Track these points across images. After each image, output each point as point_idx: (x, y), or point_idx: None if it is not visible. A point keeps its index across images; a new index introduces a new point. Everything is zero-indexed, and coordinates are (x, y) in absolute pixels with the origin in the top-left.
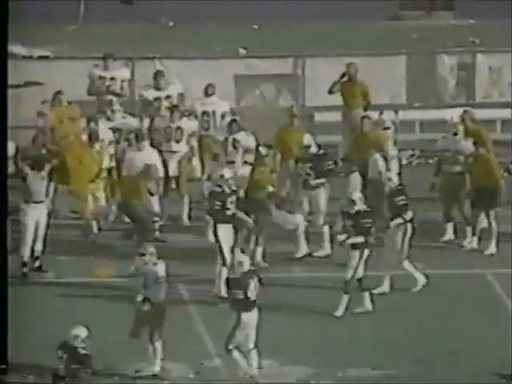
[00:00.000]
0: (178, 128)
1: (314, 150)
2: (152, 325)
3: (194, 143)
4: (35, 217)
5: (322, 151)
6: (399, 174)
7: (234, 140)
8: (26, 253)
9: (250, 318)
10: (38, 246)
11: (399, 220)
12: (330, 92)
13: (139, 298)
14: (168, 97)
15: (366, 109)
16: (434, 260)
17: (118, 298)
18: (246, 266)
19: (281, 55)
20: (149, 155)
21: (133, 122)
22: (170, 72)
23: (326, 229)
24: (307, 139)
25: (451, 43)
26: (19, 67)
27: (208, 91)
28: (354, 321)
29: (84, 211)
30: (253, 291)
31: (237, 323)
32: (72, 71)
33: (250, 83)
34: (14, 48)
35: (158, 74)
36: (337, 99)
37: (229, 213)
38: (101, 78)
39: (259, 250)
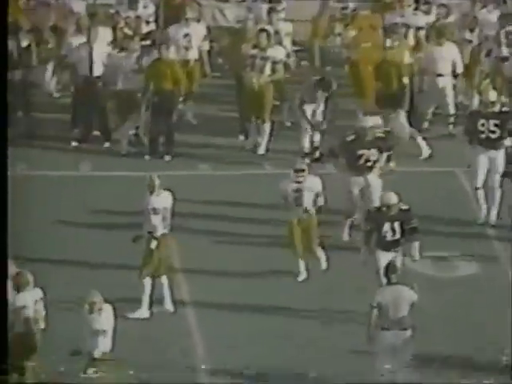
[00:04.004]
0: (474, 18)
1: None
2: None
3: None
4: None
5: (506, 108)
6: None
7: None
8: (305, 144)
9: None
10: (317, 138)
11: None
12: None
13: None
14: None
15: None
16: None
17: None
18: None
19: None
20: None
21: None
22: None
23: (498, 192)
24: (492, 94)
25: None
26: None
27: None
28: None
29: None
30: None
31: None
32: None
33: None
34: None
35: None
36: None
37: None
38: None
39: None
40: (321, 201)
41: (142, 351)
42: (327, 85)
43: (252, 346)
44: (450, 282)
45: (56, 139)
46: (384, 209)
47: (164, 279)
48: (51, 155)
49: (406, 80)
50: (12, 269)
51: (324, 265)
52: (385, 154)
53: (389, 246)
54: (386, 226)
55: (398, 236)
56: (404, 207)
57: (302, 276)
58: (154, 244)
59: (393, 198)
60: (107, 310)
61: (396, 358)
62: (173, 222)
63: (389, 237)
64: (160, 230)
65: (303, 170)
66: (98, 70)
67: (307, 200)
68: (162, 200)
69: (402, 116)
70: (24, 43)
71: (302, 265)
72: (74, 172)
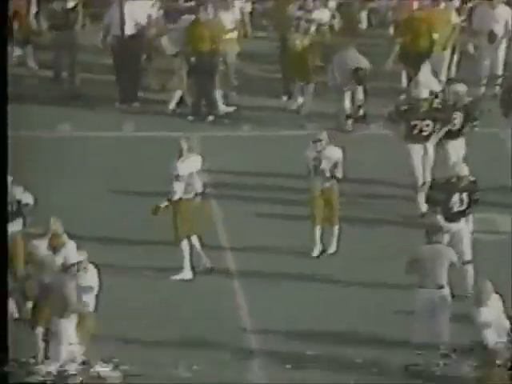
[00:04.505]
0: None
1: None
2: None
3: None
4: None
5: None
6: None
7: None
8: (347, 105)
9: None
10: (360, 97)
11: None
12: None
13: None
14: None
15: None
16: None
17: None
18: None
19: None
20: None
21: None
22: None
23: None
24: None
25: None
26: None
27: None
28: None
29: None
30: None
31: None
32: None
33: None
34: None
35: None
36: None
37: None
38: None
39: None
40: (339, 172)
41: (187, 311)
42: (360, 78)
43: (295, 310)
44: (490, 243)
45: (100, 100)
46: (454, 180)
47: (194, 239)
48: (95, 115)
49: (435, 36)
50: (56, 226)
51: (334, 245)
52: (442, 127)
53: (454, 217)
54: (455, 197)
55: (464, 206)
56: (472, 178)
57: (317, 249)
58: (164, 203)
59: (464, 170)
60: (92, 269)
61: (434, 317)
62: (214, 189)
63: (456, 208)
64: (178, 195)
65: (320, 140)
66: (130, 30)
67: (325, 168)
68: (188, 165)
69: (427, 69)
70: (70, 4)
71: (318, 236)
72: (117, 132)
